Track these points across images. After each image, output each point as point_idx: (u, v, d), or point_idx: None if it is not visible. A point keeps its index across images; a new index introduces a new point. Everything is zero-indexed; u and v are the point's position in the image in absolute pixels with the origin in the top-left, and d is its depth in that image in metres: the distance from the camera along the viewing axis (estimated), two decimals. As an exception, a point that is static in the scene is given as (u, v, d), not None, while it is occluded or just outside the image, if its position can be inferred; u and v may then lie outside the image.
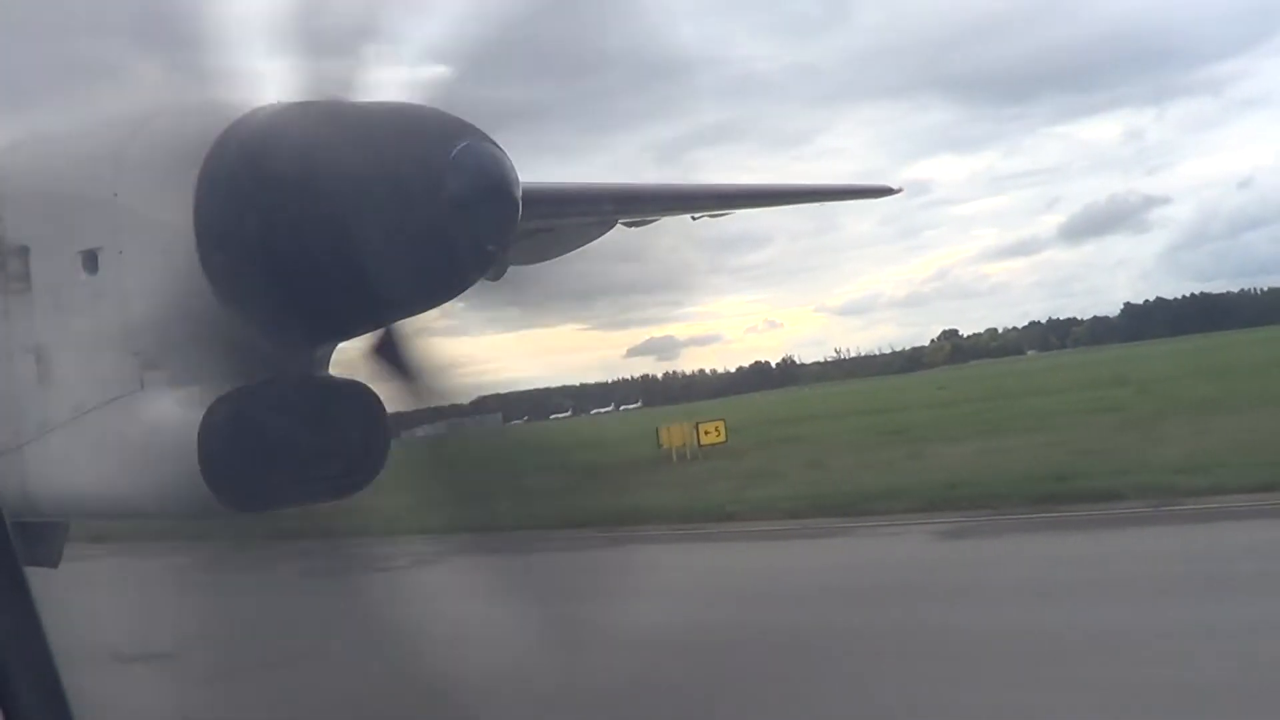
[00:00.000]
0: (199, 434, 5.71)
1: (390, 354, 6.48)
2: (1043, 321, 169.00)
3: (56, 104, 6.61)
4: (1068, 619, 11.42)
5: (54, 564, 7.87)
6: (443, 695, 9.80)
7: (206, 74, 5.79)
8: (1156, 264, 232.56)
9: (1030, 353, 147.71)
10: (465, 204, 5.32)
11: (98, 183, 5.90)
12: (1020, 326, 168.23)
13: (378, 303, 5.87)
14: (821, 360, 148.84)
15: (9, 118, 6.60)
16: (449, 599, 13.33)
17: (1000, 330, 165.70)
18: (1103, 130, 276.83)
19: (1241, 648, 9.52)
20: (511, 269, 7.31)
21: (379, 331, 6.39)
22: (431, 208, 5.31)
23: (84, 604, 10.25)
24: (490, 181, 5.42)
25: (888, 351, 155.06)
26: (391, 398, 6.63)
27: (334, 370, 6.60)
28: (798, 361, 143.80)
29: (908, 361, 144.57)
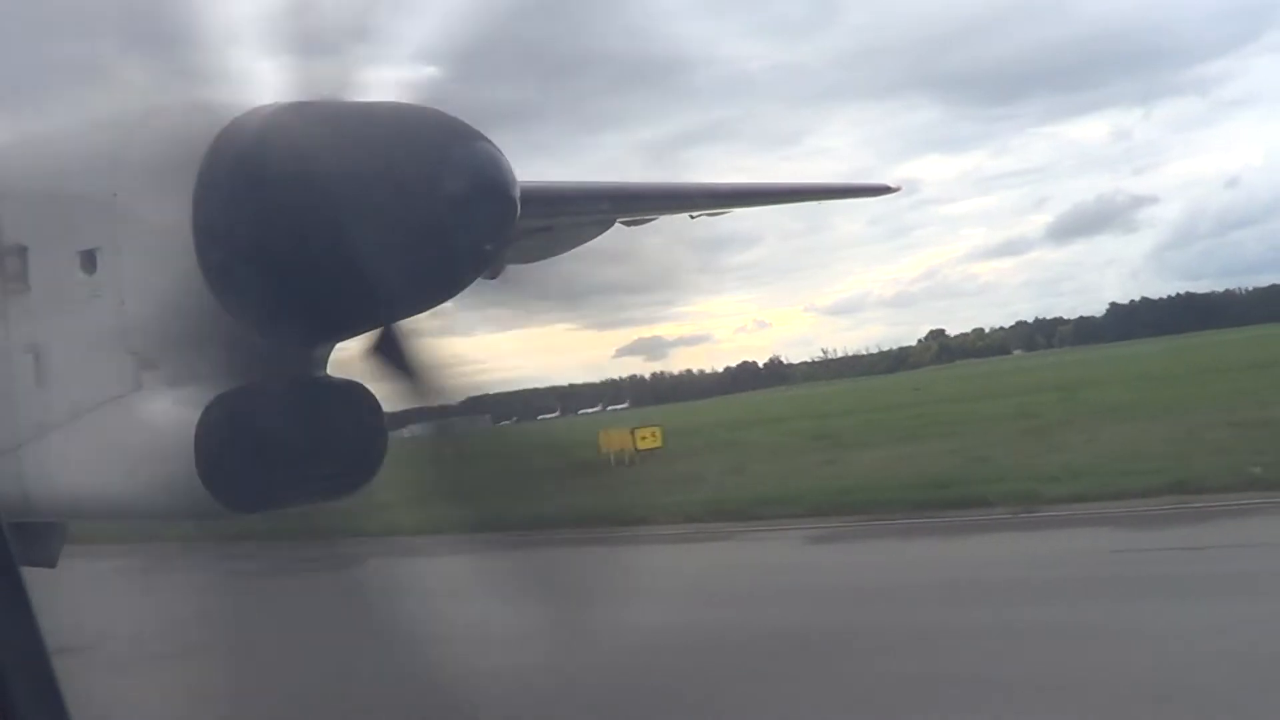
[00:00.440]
0: (196, 434, 5.71)
1: (388, 352, 6.48)
2: (1029, 321, 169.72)
3: (55, 104, 6.62)
4: (870, 619, 12.08)
5: (52, 564, 7.88)
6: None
7: (204, 74, 5.80)
8: (1144, 263, 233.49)
9: (1016, 352, 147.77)
10: (463, 204, 5.32)
11: (96, 183, 5.90)
12: (1007, 326, 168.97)
13: (375, 302, 5.88)
14: (809, 360, 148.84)
15: (8, 118, 6.61)
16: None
17: (987, 330, 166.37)
18: (1090, 130, 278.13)
19: (1009, 647, 10.23)
20: (504, 268, 7.32)
21: (377, 330, 6.39)
22: (429, 207, 5.32)
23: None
24: (488, 181, 5.42)
25: (875, 351, 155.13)
26: (389, 396, 6.64)
27: (331, 370, 6.60)
28: (785, 362, 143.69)
29: (894, 361, 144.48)
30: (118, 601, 15.87)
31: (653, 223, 11.70)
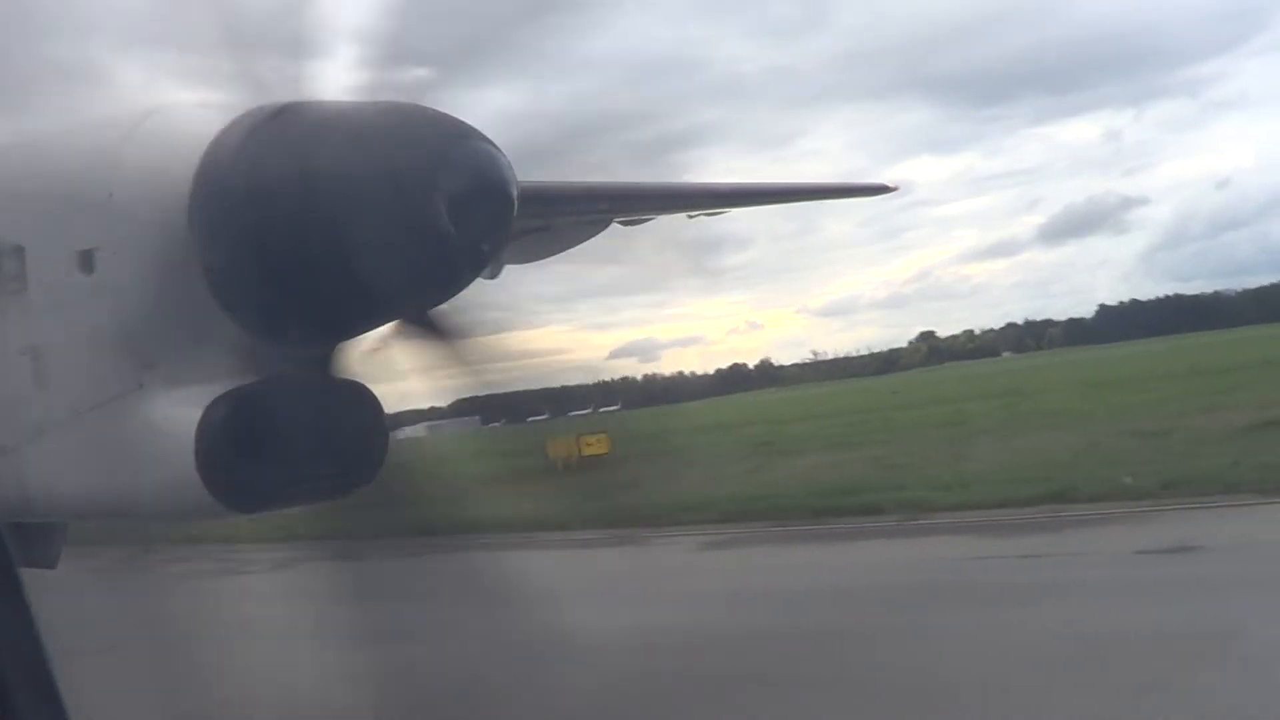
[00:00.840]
0: (196, 434, 5.71)
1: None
2: (1019, 323, 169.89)
3: (52, 104, 6.61)
4: (690, 621, 12.61)
5: (52, 565, 7.87)
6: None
7: (202, 75, 5.80)
8: (1136, 265, 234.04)
9: (1005, 354, 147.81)
10: (461, 203, 5.32)
11: (94, 183, 5.89)
12: (997, 328, 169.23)
13: (374, 302, 5.88)
14: (799, 362, 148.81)
15: (6, 118, 6.60)
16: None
17: (977, 332, 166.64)
18: (1082, 131, 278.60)
19: (797, 647, 10.91)
20: (503, 268, 7.33)
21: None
22: (427, 207, 5.31)
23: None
24: (486, 180, 5.43)
25: (865, 353, 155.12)
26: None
27: (332, 370, 6.60)
28: (775, 363, 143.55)
29: (884, 363, 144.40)
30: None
31: (649, 223, 11.71)
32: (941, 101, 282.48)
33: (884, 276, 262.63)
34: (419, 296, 6.03)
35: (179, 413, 5.78)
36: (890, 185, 16.61)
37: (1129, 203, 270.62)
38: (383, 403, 6.62)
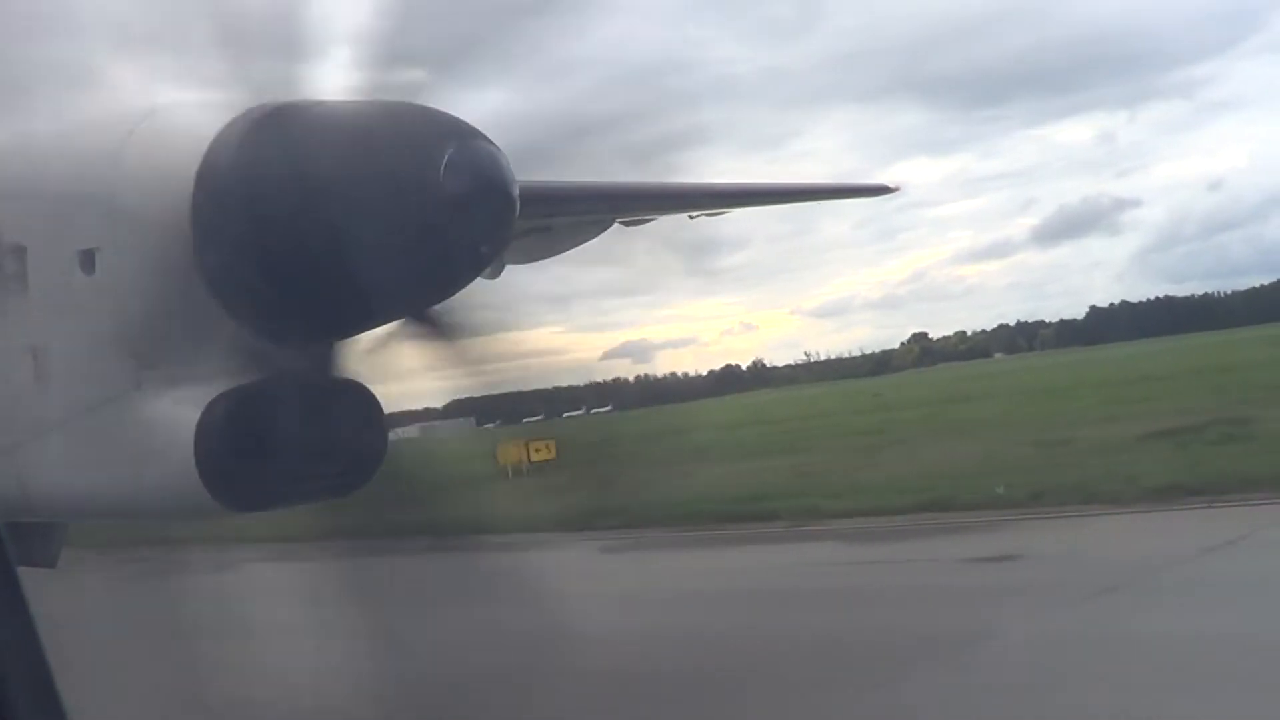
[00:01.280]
0: (195, 434, 5.71)
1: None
2: (1011, 324, 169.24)
3: (54, 105, 6.62)
4: (524, 621, 12.62)
5: (52, 564, 7.87)
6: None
7: (202, 76, 5.80)
8: (1129, 266, 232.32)
9: (998, 355, 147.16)
10: (462, 203, 5.32)
11: (95, 183, 5.89)
12: (989, 329, 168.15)
13: (373, 302, 5.87)
14: (792, 363, 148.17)
15: (7, 118, 6.60)
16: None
17: (969, 333, 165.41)
18: (1076, 133, 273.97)
19: (613, 648, 11.09)
20: (504, 267, 7.33)
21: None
22: (428, 207, 5.31)
23: None
24: (487, 180, 5.42)
25: (858, 354, 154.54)
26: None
27: (331, 369, 6.60)
28: (768, 365, 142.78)
29: (876, 364, 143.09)
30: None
31: (651, 223, 11.70)
32: (936, 103, 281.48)
33: (878, 277, 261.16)
34: (419, 297, 6.03)
35: (179, 412, 5.78)
36: (891, 186, 16.64)
37: (1123, 204, 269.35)
38: (382, 403, 6.62)
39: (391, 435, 7.29)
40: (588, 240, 10.10)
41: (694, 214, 12.41)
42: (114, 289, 5.86)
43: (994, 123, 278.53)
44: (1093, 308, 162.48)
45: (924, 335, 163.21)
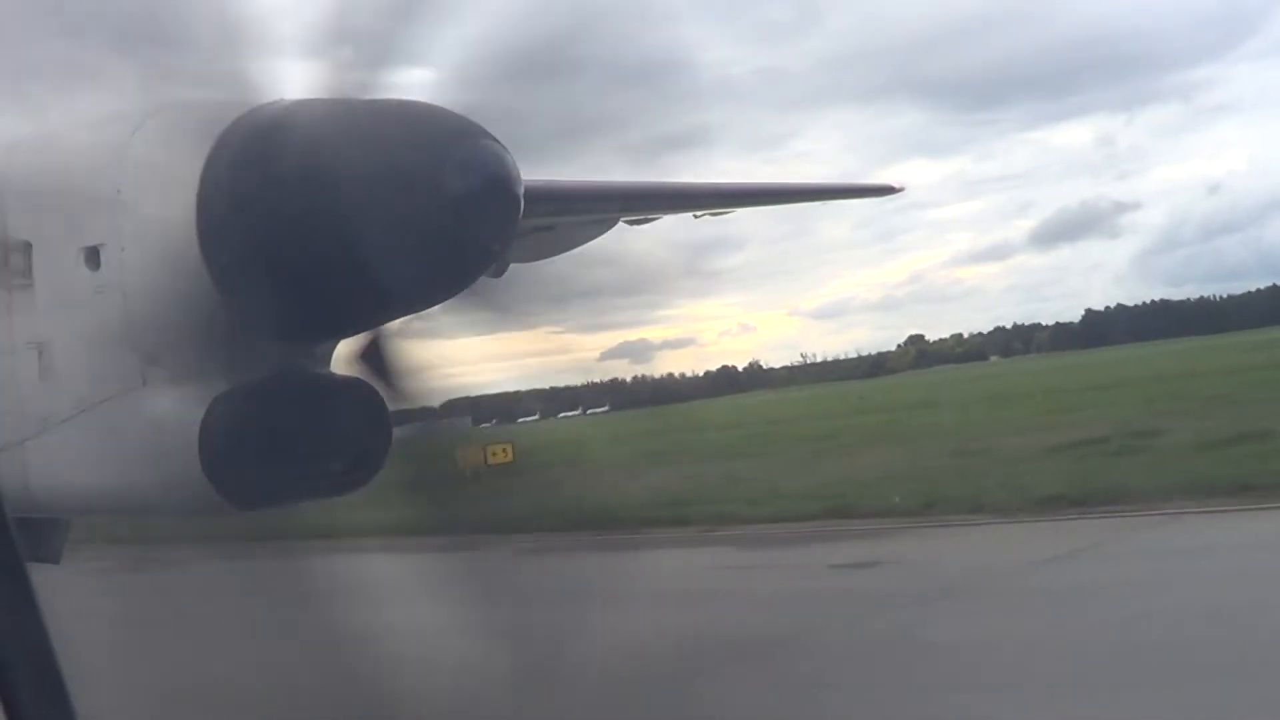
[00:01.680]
0: (201, 431, 5.71)
1: (372, 356, 6.52)
2: (1008, 327, 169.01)
3: (59, 101, 6.61)
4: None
5: (55, 560, 7.87)
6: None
7: (208, 73, 5.80)
8: (1128, 269, 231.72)
9: (993, 358, 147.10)
10: (467, 201, 5.31)
11: (101, 179, 5.89)
12: (986, 332, 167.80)
13: (379, 300, 5.87)
14: (789, 365, 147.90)
15: (12, 114, 6.60)
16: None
17: (965, 335, 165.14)
18: (1074, 136, 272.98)
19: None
20: (508, 267, 7.32)
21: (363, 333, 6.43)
22: (434, 205, 5.31)
23: None
24: (492, 179, 5.41)
25: (855, 356, 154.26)
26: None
27: (335, 367, 6.60)
28: (764, 366, 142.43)
29: (872, 366, 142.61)
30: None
31: (655, 223, 11.70)
32: (934, 105, 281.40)
33: (877, 279, 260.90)
34: (425, 295, 6.03)
35: (183, 409, 5.78)
36: (896, 186, 16.66)
37: (1121, 207, 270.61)
38: (386, 400, 6.62)
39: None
40: (592, 239, 10.10)
41: (698, 214, 12.41)
42: (119, 286, 5.85)
43: (992, 125, 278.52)
44: (1088, 311, 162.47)
45: (920, 337, 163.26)
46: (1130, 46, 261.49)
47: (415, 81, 6.03)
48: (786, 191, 15.70)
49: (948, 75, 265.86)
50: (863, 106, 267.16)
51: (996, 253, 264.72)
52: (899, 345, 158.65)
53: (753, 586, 14.90)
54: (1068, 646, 9.81)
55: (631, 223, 11.05)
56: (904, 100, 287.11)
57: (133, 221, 5.80)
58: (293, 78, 5.78)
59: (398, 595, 14.99)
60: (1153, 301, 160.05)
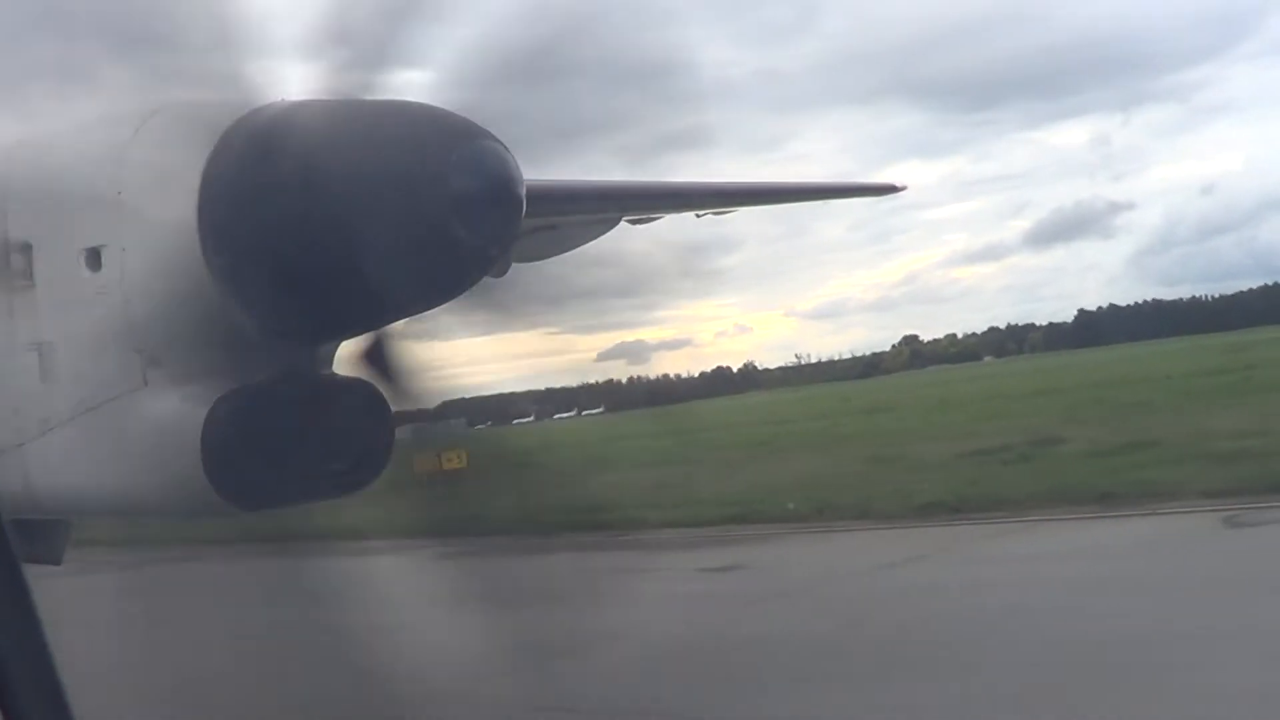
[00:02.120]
0: (202, 432, 5.70)
1: (375, 356, 6.51)
2: (1001, 327, 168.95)
3: (60, 102, 6.60)
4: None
5: (56, 562, 7.87)
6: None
7: (210, 73, 5.79)
8: (1123, 269, 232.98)
9: (987, 359, 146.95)
10: (469, 202, 5.30)
11: (102, 180, 5.88)
12: (980, 332, 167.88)
13: (381, 300, 5.86)
14: (783, 365, 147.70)
15: (13, 115, 6.60)
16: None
17: (960, 336, 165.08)
18: (1070, 136, 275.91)
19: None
20: (510, 267, 7.32)
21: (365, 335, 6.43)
22: (436, 206, 5.30)
23: None
24: (495, 180, 5.40)
25: (850, 356, 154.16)
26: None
27: (337, 368, 6.59)
28: (759, 367, 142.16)
29: (866, 367, 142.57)
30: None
31: (657, 222, 11.68)
32: (930, 105, 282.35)
33: (873, 280, 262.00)
34: (426, 295, 6.02)
35: (185, 410, 5.77)
36: (898, 185, 16.65)
37: (1116, 207, 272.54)
38: (388, 401, 6.61)
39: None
40: (594, 239, 10.09)
41: (700, 213, 12.40)
42: (120, 287, 5.84)
43: (988, 125, 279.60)
44: (1081, 311, 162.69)
45: (915, 338, 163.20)
46: (1126, 47, 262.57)
47: (415, 82, 6.03)
48: (789, 191, 15.68)
49: (944, 76, 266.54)
50: (860, 107, 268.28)
51: (992, 253, 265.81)
52: (893, 346, 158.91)
53: (614, 588, 15.13)
54: (844, 643, 10.80)
55: (634, 222, 11.04)
56: (901, 101, 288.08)
57: (134, 222, 5.79)
58: (292, 79, 5.78)
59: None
60: (1145, 301, 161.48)
